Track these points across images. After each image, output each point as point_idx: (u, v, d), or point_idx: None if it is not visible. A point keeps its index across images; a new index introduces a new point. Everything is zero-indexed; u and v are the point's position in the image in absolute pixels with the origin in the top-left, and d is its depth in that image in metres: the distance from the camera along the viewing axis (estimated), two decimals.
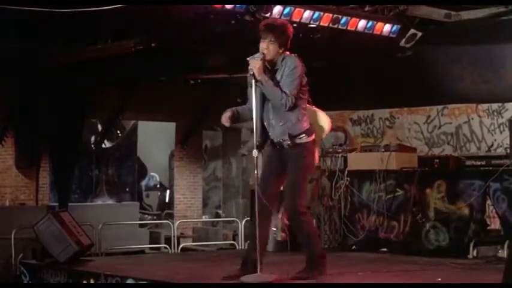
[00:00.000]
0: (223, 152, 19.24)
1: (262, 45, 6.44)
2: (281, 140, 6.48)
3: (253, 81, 6.36)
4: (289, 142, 6.44)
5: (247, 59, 6.43)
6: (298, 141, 6.45)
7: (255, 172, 6.50)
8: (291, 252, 8.68)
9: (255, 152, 6.42)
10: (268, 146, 6.59)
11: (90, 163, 18.68)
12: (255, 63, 6.35)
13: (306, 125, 6.49)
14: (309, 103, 6.65)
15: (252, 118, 6.48)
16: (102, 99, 15.03)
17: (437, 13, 11.28)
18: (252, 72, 6.35)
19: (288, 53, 6.50)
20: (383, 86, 12.98)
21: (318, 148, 6.76)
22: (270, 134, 6.53)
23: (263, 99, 6.48)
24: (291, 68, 6.40)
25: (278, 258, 7.67)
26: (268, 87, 6.36)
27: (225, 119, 6.62)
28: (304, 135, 6.47)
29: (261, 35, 6.47)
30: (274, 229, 8.43)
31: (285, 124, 6.43)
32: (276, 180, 6.60)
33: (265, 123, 6.54)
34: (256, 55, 6.41)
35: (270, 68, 6.48)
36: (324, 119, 6.80)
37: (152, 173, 20.63)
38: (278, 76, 6.42)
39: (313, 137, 6.53)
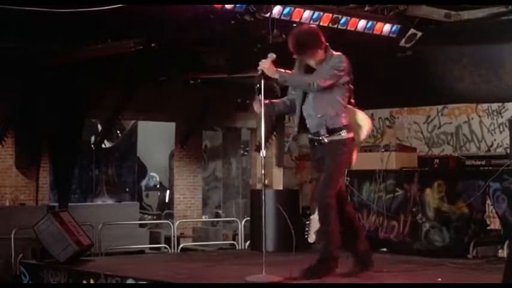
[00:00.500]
0: (223, 152, 19.23)
1: (306, 61, 6.54)
2: (317, 131, 6.53)
3: (262, 80, 6.42)
4: (326, 134, 6.49)
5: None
6: (336, 137, 6.51)
7: (262, 172, 6.62)
8: (291, 252, 8.68)
9: (262, 153, 6.51)
10: (309, 146, 6.70)
11: (90, 163, 18.66)
12: (263, 64, 6.44)
13: (344, 121, 6.55)
14: (351, 104, 6.70)
15: (292, 111, 6.67)
16: (102, 99, 15.02)
17: (437, 13, 11.28)
18: (260, 72, 6.39)
19: (334, 52, 6.58)
20: (383, 86, 12.98)
21: (356, 148, 6.76)
22: (307, 125, 6.62)
23: (304, 91, 6.58)
24: (336, 61, 6.50)
25: (278, 259, 7.67)
26: (290, 78, 6.49)
27: (257, 107, 6.67)
28: (343, 130, 6.52)
29: (297, 56, 6.57)
30: (307, 229, 8.50)
31: (322, 116, 6.51)
32: None
33: (304, 114, 6.62)
34: (269, 55, 6.46)
35: (317, 64, 6.57)
36: (364, 120, 6.80)
37: (152, 173, 20.62)
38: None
39: (351, 134, 6.57)
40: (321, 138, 6.54)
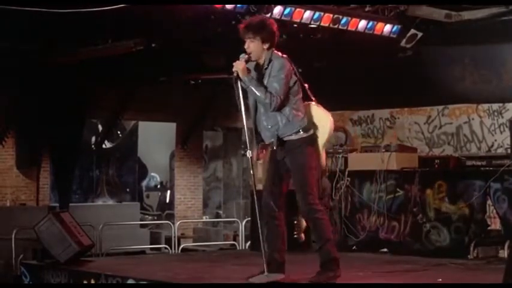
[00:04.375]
0: (223, 153, 19.23)
1: (245, 45, 6.39)
2: (271, 141, 6.43)
3: (239, 82, 6.33)
4: (278, 144, 6.37)
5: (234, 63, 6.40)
6: (293, 137, 6.36)
7: (251, 173, 6.59)
8: (290, 252, 8.69)
9: (249, 153, 6.44)
10: (268, 149, 6.55)
11: (91, 163, 18.66)
12: (238, 64, 6.31)
13: (300, 124, 6.37)
14: (312, 101, 6.61)
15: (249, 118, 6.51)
16: (102, 100, 15.03)
17: (438, 13, 11.29)
18: (236, 74, 6.33)
19: (278, 53, 6.43)
20: (383, 86, 12.98)
21: (323, 148, 6.63)
22: (262, 136, 6.51)
23: (256, 102, 6.45)
24: (277, 68, 6.32)
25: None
26: (251, 87, 6.30)
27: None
28: (299, 132, 6.36)
29: (241, 36, 6.41)
30: (297, 229, 8.49)
31: (273, 127, 6.38)
32: (280, 181, 6.56)
33: (258, 126, 6.51)
34: (241, 56, 6.40)
35: (260, 69, 6.42)
36: (323, 118, 6.59)
37: (153, 174, 20.61)
38: (266, 77, 6.36)
39: (310, 132, 6.42)
40: (275, 147, 6.41)
